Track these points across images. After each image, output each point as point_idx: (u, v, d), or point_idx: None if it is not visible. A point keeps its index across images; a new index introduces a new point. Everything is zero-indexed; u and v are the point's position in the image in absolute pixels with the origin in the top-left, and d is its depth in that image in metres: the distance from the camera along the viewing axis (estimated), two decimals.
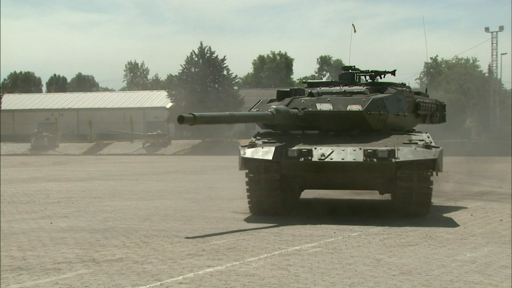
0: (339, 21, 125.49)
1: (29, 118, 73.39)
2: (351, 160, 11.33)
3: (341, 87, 13.23)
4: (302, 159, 11.47)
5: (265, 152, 11.66)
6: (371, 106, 12.33)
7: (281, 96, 13.51)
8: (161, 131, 59.87)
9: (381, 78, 13.83)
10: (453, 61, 66.06)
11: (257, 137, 12.44)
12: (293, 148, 11.59)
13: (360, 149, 11.38)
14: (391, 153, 11.18)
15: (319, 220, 11.45)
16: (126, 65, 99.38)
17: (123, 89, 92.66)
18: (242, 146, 11.96)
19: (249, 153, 11.69)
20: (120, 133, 62.41)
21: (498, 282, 6.84)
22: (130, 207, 13.87)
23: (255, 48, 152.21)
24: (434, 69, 64.31)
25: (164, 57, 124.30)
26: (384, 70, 13.89)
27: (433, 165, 11.26)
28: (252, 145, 11.88)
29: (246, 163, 11.80)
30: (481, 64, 64.65)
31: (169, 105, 64.50)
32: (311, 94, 12.95)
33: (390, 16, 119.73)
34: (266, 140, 12.12)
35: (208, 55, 61.74)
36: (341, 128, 12.45)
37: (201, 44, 61.88)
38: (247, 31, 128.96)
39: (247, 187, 12.05)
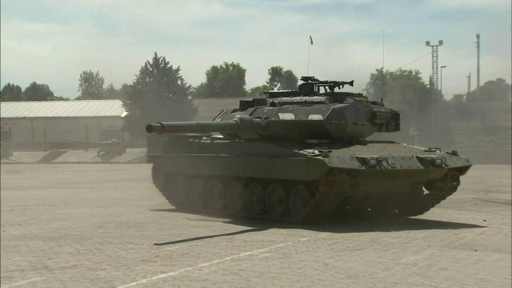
0: (289, 33, 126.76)
1: None
2: (415, 168, 12.01)
3: (302, 97, 13.56)
4: (378, 167, 11.62)
5: (346, 160, 11.39)
6: (331, 115, 12.71)
7: (244, 106, 13.89)
8: (116, 140, 59.38)
9: (339, 88, 14.14)
10: (397, 73, 67.80)
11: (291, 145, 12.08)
12: (371, 156, 11.65)
13: (413, 157, 12.14)
14: (443, 161, 12.20)
15: (269, 226, 11.71)
16: (81, 74, 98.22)
17: (78, 98, 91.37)
18: (311, 156, 11.37)
19: (335, 161, 11.23)
20: (74, 141, 61.64)
21: (437, 284, 7.17)
22: (85, 215, 13.87)
23: (208, 59, 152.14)
24: (380, 81, 65.81)
25: (119, 67, 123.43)
26: (342, 81, 14.16)
27: (464, 170, 12.73)
28: (323, 155, 11.27)
29: (330, 172, 11.20)
30: (423, 76, 66.99)
31: (124, 114, 64.18)
32: (273, 104, 13.36)
33: (337, 29, 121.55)
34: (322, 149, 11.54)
35: (162, 65, 61.79)
36: (302, 137, 12.70)
37: (156, 54, 61.96)
38: (200, 43, 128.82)
39: (319, 197, 11.46)
